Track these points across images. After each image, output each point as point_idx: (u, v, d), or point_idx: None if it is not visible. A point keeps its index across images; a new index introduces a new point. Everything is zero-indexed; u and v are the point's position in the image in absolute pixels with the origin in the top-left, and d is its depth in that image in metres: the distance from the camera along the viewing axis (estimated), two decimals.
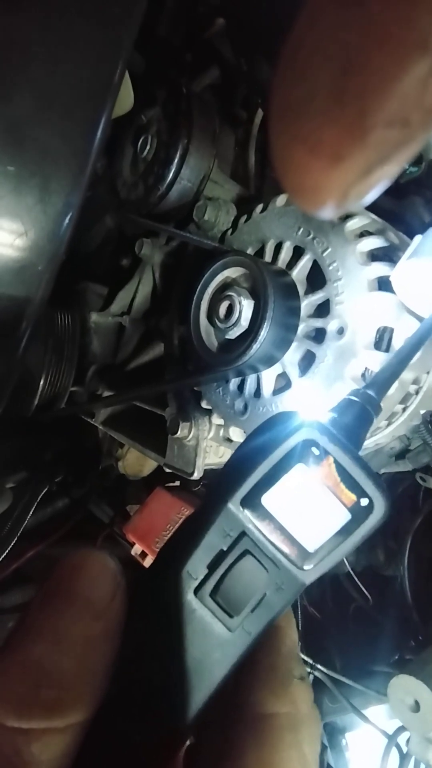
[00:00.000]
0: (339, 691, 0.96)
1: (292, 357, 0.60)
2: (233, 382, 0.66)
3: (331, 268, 0.57)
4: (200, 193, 0.72)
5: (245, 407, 0.64)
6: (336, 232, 0.57)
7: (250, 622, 0.25)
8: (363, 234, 0.58)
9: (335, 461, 0.24)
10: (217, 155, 0.72)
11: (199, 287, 0.63)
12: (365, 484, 0.24)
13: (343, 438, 0.25)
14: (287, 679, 0.25)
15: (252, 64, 0.68)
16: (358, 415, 0.28)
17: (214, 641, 0.24)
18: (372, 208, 0.60)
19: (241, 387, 0.65)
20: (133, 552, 1.00)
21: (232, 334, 0.60)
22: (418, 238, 0.52)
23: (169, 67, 0.79)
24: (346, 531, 0.24)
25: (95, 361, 1.05)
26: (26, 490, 1.07)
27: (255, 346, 0.55)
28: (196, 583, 0.25)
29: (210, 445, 0.77)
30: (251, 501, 0.25)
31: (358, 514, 0.24)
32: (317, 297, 0.59)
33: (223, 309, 0.60)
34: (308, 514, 0.24)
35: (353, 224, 0.57)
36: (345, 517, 0.24)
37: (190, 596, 0.25)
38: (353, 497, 0.24)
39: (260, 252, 0.65)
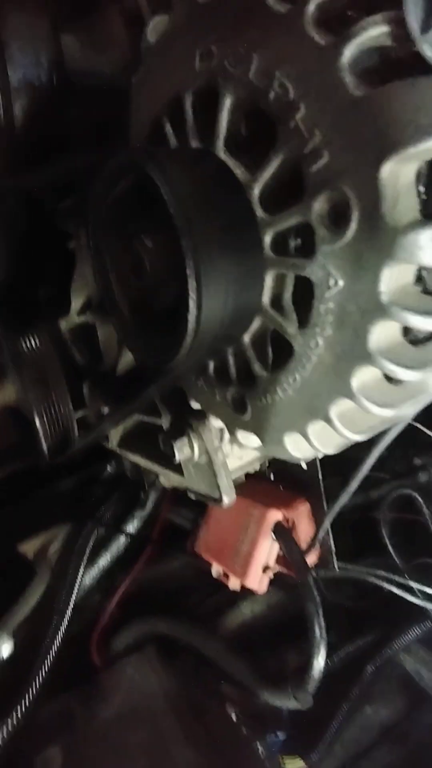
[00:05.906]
0: None
1: (270, 295, 0.33)
2: (212, 366, 0.40)
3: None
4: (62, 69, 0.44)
5: (242, 401, 0.38)
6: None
7: None
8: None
9: None
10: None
11: (92, 249, 0.37)
12: None
13: None
14: None
15: None
16: None
17: None
18: None
19: (224, 370, 0.39)
20: (214, 573, 0.80)
21: (161, 300, 0.33)
22: None
23: None
24: None
25: (86, 374, 0.85)
26: (73, 545, 0.92)
27: (190, 318, 0.28)
28: None
29: (231, 450, 0.53)
30: None
31: None
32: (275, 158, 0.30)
33: (128, 266, 0.34)
34: None
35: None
36: None
37: None
38: None
39: (178, 113, 0.35)
